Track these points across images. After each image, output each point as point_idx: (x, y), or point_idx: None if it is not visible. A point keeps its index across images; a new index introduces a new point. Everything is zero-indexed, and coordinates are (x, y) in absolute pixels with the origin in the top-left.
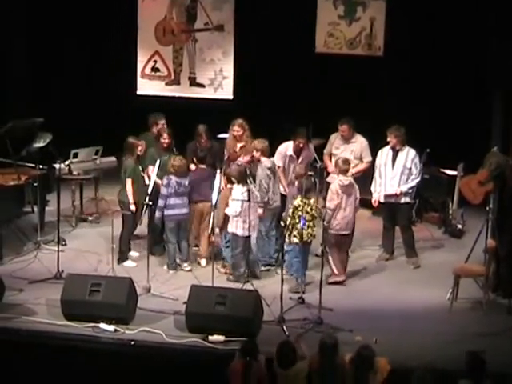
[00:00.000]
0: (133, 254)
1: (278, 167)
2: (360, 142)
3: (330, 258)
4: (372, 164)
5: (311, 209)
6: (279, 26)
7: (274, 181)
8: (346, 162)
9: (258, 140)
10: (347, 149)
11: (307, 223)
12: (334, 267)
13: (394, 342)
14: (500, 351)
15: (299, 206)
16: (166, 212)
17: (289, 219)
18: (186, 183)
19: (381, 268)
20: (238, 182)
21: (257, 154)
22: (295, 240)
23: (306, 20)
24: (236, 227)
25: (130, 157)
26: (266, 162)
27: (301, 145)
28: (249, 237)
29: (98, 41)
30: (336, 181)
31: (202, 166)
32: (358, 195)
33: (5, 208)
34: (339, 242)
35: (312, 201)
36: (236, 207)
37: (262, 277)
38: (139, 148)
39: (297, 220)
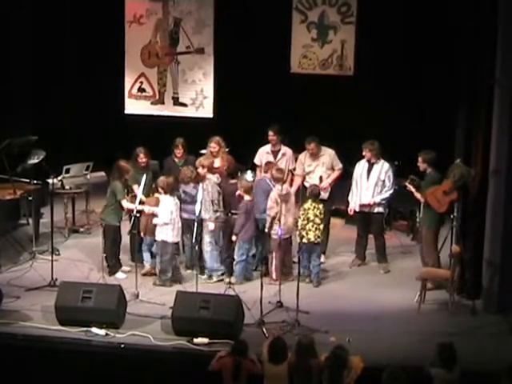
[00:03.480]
0: (124, 268)
1: (258, 166)
2: (328, 154)
3: (274, 262)
4: (345, 173)
5: (320, 213)
6: (256, 48)
7: (221, 196)
8: (280, 170)
9: (203, 157)
10: (319, 163)
11: (315, 225)
12: (274, 273)
13: (367, 341)
14: (464, 349)
15: (308, 208)
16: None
17: (300, 221)
18: (189, 191)
19: (353, 273)
20: (165, 193)
21: (202, 171)
22: (304, 241)
23: (282, 43)
24: (166, 235)
25: (118, 179)
26: (213, 178)
27: (270, 136)
28: (177, 243)
29: (88, 64)
30: (274, 190)
31: (232, 181)
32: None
33: (2, 220)
34: (283, 246)
35: (321, 205)
36: (165, 216)
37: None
38: (129, 172)
39: (305, 222)
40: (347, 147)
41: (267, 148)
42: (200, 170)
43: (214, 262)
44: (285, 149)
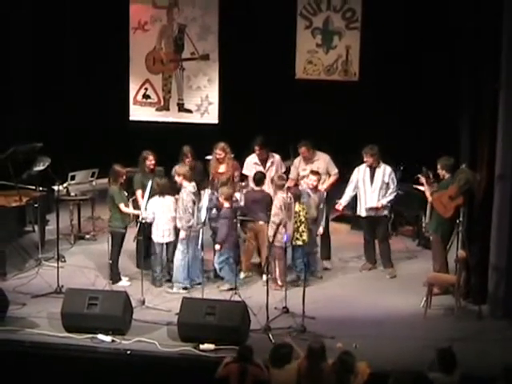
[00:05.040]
0: (123, 283)
1: (247, 176)
2: (323, 159)
3: (278, 270)
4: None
5: (306, 213)
6: (261, 54)
7: (197, 205)
8: (281, 178)
9: (178, 165)
10: (313, 167)
11: (303, 226)
12: (279, 280)
13: (373, 347)
14: (470, 354)
15: (299, 211)
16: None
17: (292, 225)
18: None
19: (359, 278)
20: (158, 193)
21: (178, 179)
22: (298, 243)
23: (287, 48)
24: (152, 233)
25: (113, 184)
26: (188, 186)
27: (257, 151)
28: (165, 244)
29: (93, 70)
30: (279, 196)
31: (257, 188)
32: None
33: (8, 228)
34: (284, 253)
35: (305, 206)
36: (149, 216)
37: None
38: (123, 177)
39: (298, 224)
40: (352, 152)
41: (255, 159)
42: (176, 178)
43: (179, 274)
44: (272, 156)
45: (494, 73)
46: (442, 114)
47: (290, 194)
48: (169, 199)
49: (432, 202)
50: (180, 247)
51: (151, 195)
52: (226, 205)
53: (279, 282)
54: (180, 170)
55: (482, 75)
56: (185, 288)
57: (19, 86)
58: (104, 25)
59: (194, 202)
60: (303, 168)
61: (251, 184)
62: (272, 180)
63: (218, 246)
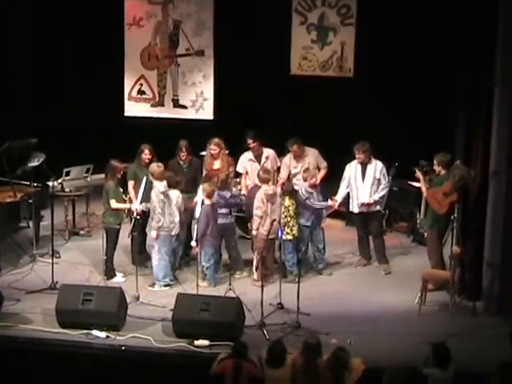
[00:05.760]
0: (118, 278)
1: (241, 173)
2: (312, 153)
3: (254, 262)
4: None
5: (296, 207)
6: (256, 50)
7: (168, 205)
8: (266, 171)
9: (153, 163)
10: (304, 164)
11: (293, 220)
12: (255, 273)
13: (368, 343)
14: (464, 350)
15: (289, 206)
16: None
17: (281, 219)
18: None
19: (354, 274)
20: (169, 186)
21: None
22: (289, 237)
23: (282, 44)
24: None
25: (111, 179)
26: (159, 186)
27: (250, 145)
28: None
29: (88, 66)
30: (261, 190)
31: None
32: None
33: (2, 223)
34: (268, 246)
35: (295, 200)
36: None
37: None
38: (121, 172)
39: (288, 219)
40: (347, 149)
41: (249, 155)
42: (150, 177)
43: (159, 272)
44: (267, 151)
45: (490, 70)
46: (438, 110)
47: (272, 186)
48: (174, 193)
49: (426, 198)
50: (155, 247)
51: (147, 192)
52: (207, 202)
53: (255, 277)
54: (151, 167)
55: (477, 72)
56: (167, 285)
57: (19, 86)
58: (99, 20)
59: (163, 203)
60: (294, 166)
61: (243, 181)
62: (258, 174)
63: (193, 243)
